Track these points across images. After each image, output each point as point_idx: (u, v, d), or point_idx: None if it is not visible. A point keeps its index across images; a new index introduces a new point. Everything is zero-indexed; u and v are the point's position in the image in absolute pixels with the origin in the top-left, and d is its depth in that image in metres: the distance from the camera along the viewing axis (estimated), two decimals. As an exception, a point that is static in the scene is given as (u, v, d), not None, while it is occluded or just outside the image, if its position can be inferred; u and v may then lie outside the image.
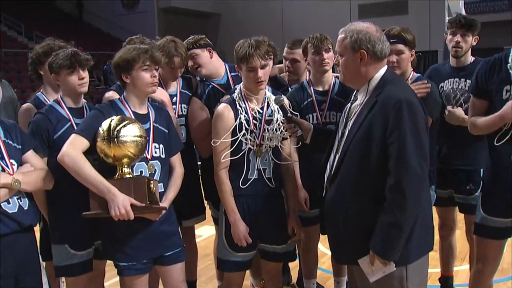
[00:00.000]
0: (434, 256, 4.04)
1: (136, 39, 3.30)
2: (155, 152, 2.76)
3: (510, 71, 2.68)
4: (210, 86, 3.42)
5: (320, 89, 3.34)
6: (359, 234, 2.29)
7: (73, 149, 2.55)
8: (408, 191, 2.15)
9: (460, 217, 3.66)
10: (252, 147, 2.84)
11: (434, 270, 4.06)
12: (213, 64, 3.49)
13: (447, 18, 12.97)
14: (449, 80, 3.42)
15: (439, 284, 3.76)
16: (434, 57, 16.62)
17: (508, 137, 2.68)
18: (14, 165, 2.47)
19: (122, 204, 2.49)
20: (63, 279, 3.25)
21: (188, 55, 3.38)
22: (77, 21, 22.58)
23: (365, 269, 2.29)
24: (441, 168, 3.35)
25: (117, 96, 2.96)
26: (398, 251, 2.20)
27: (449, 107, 3.30)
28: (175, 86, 3.46)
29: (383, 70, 2.38)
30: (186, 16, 21.18)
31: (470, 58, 3.45)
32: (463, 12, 10.11)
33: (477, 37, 3.45)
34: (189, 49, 3.40)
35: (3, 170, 2.40)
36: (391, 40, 2.86)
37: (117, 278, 2.88)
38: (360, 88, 2.44)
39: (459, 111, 3.23)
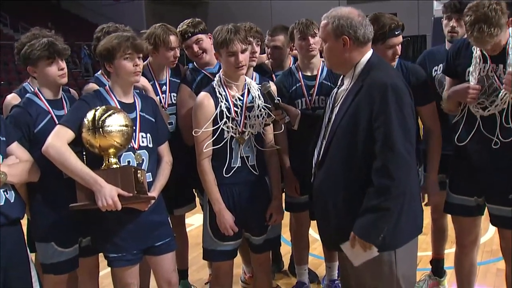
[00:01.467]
0: (425, 239, 4.07)
1: (109, 28, 3.21)
2: (142, 142, 2.73)
3: (474, 51, 2.76)
4: (202, 75, 3.39)
5: (309, 74, 3.32)
6: (348, 219, 2.28)
7: (58, 140, 2.51)
8: (395, 175, 2.15)
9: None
10: (234, 135, 2.82)
11: (425, 253, 4.09)
12: (213, 51, 3.45)
13: (435, 3, 12.94)
14: (443, 64, 3.41)
15: (430, 267, 3.78)
16: (423, 42, 16.66)
17: (462, 115, 2.82)
18: None
19: (109, 194, 2.46)
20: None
21: (194, 40, 3.33)
22: (65, 12, 22.37)
23: (348, 253, 2.30)
24: None
25: (97, 88, 2.92)
26: (380, 235, 2.19)
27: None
28: (165, 75, 3.42)
29: (368, 54, 2.37)
30: (174, 5, 21.03)
31: None
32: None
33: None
34: (193, 34, 3.34)
35: None
36: (397, 32, 2.86)
37: (108, 269, 2.87)
38: (346, 73, 2.42)
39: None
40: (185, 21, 3.42)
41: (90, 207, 2.54)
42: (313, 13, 5.09)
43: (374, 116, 2.20)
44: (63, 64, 2.77)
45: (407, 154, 2.17)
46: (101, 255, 3.01)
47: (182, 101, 3.32)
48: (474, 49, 2.77)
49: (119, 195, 2.49)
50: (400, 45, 2.93)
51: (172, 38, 3.22)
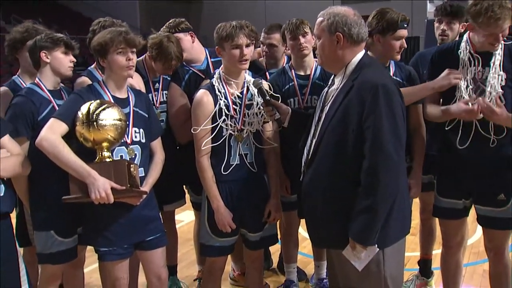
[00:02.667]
0: (413, 240, 4.11)
1: (106, 22, 3.23)
2: (135, 137, 2.75)
3: (460, 55, 2.78)
4: (190, 72, 3.40)
5: (302, 73, 3.34)
6: (336, 218, 2.31)
7: (52, 133, 2.52)
8: (383, 175, 2.17)
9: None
10: (233, 133, 2.83)
11: (414, 253, 4.13)
12: (194, 49, 3.46)
13: (428, 5, 13.01)
14: (426, 69, 3.44)
15: (418, 267, 3.82)
16: (416, 43, 16.68)
17: (455, 123, 2.81)
18: None
19: (102, 187, 2.48)
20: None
21: None
22: (58, 5, 22.19)
23: (350, 258, 2.31)
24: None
25: (89, 82, 2.93)
26: (375, 235, 2.22)
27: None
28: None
29: (360, 54, 2.39)
30: (168, 3, 20.93)
31: None
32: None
33: (465, 24, 3.46)
34: (171, 33, 3.36)
35: None
36: (406, 25, 2.92)
37: (97, 264, 2.87)
38: (337, 72, 2.44)
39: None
40: (170, 21, 3.44)
41: (83, 200, 2.55)
42: (307, 13, 5.11)
43: (364, 116, 2.22)
44: (73, 58, 2.85)
45: (396, 154, 2.19)
46: (88, 249, 3.02)
47: (173, 99, 3.33)
48: (461, 52, 2.79)
49: (112, 188, 2.50)
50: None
51: (174, 63, 3.22)
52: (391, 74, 3.03)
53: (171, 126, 3.36)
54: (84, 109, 2.56)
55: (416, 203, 3.32)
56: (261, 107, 2.88)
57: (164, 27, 3.42)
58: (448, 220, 3.02)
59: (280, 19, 4.18)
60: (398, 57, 3.00)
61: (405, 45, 2.94)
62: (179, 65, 3.31)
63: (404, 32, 2.92)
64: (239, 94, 2.88)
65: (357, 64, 2.36)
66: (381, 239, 2.26)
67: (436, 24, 3.48)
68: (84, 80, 3.08)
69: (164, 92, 3.41)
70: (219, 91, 2.84)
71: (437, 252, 3.87)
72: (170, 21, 3.46)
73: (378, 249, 2.27)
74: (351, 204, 2.24)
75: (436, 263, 3.79)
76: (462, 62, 2.79)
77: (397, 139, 2.21)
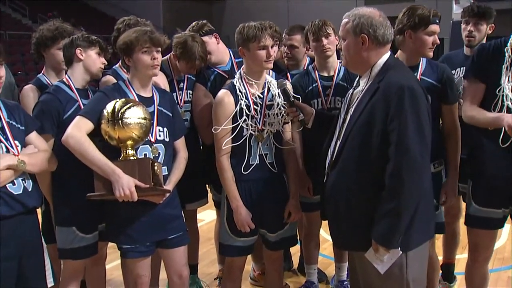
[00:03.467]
0: (436, 243, 4.06)
1: (130, 21, 3.27)
2: (159, 135, 2.77)
3: (506, 53, 2.66)
4: (215, 73, 3.41)
5: (325, 74, 3.33)
6: (360, 220, 2.29)
7: (78, 131, 2.55)
8: (407, 178, 2.15)
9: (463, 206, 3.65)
10: (253, 133, 2.84)
11: (436, 258, 4.07)
12: (219, 50, 3.47)
13: (454, 7, 12.82)
14: (461, 68, 3.39)
15: (441, 271, 3.77)
16: (441, 45, 16.48)
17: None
18: (18, 146, 2.45)
19: (126, 185, 2.50)
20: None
21: None
22: (82, 5, 22.49)
23: (373, 261, 2.29)
24: None
25: (114, 81, 2.96)
26: (398, 238, 2.20)
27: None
28: None
29: (386, 56, 2.37)
30: (191, 2, 21.06)
31: None
32: (471, -1, 9.97)
33: (493, 25, 3.40)
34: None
35: (8, 151, 2.39)
36: (437, 20, 2.86)
37: (119, 260, 2.90)
38: (362, 73, 2.43)
39: None
40: (193, 23, 3.45)
41: (107, 197, 2.57)
42: (330, 13, 5.09)
43: (389, 118, 2.20)
44: (103, 59, 2.90)
45: (421, 157, 2.17)
46: (110, 246, 3.05)
47: (197, 100, 3.35)
48: (508, 50, 2.66)
49: (136, 186, 2.52)
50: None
51: (197, 63, 3.22)
52: (420, 73, 2.94)
53: (196, 126, 3.38)
54: (109, 107, 2.58)
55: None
56: (282, 108, 2.87)
57: (187, 30, 3.44)
58: (481, 230, 2.83)
59: (302, 18, 4.18)
60: (431, 54, 2.91)
61: (438, 41, 2.85)
62: (203, 65, 3.32)
63: (436, 28, 2.85)
64: (260, 95, 2.88)
65: (382, 66, 2.34)
66: (404, 242, 2.23)
67: (463, 25, 3.43)
68: (109, 79, 3.12)
69: (189, 91, 3.43)
70: (240, 91, 2.84)
71: (460, 256, 3.82)
72: (193, 24, 3.47)
73: (401, 252, 2.24)
74: (375, 206, 2.22)
75: (458, 268, 3.74)
76: (509, 60, 2.65)
77: (422, 142, 2.18)
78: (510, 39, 2.70)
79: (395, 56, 2.75)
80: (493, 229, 2.84)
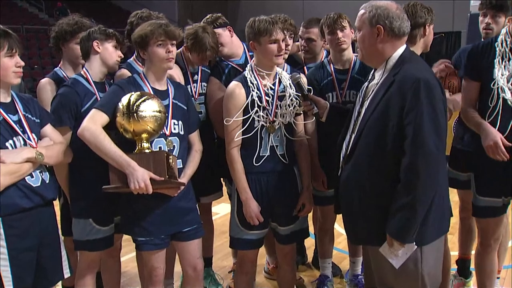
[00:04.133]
0: (451, 239, 4.02)
1: (143, 13, 3.28)
2: (174, 129, 2.78)
3: (497, 48, 2.78)
4: (229, 66, 3.41)
5: (340, 67, 3.31)
6: (374, 215, 2.29)
7: (93, 124, 2.57)
8: (423, 172, 2.14)
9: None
10: (264, 124, 2.83)
11: (452, 253, 4.03)
12: (233, 43, 3.46)
13: (472, 2, 12.66)
14: (463, 65, 3.36)
15: (456, 267, 3.74)
16: (457, 38, 16.27)
17: (493, 116, 2.80)
18: (35, 138, 2.48)
19: (141, 178, 2.51)
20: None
21: None
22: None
23: (387, 256, 2.28)
24: (462, 150, 3.31)
25: (129, 74, 2.97)
26: (413, 233, 2.19)
27: None
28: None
29: (401, 49, 2.35)
30: (206, -3, 21.05)
31: None
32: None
33: (511, 17, 3.36)
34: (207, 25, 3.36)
35: (25, 143, 2.42)
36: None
37: (134, 253, 2.91)
38: (377, 66, 2.41)
39: None
40: (206, 16, 3.45)
41: (122, 190, 2.59)
42: (345, 7, 5.05)
43: (405, 111, 2.18)
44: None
45: (437, 151, 2.15)
46: (125, 239, 3.07)
47: (212, 93, 3.35)
48: (498, 44, 2.76)
49: (151, 179, 2.53)
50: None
51: (208, 53, 3.22)
52: None
53: (211, 119, 3.39)
54: (124, 100, 2.59)
55: (455, 202, 3.25)
56: (293, 99, 2.87)
57: (201, 22, 3.44)
58: (486, 218, 2.99)
59: (317, 13, 4.15)
60: None
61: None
62: (214, 56, 3.32)
63: None
64: (271, 86, 2.88)
65: (398, 59, 2.32)
66: (419, 236, 2.22)
67: (480, 18, 3.39)
68: (124, 72, 3.13)
69: (203, 83, 3.43)
70: (251, 82, 2.84)
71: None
72: (207, 16, 3.47)
73: (416, 246, 2.23)
74: (389, 200, 2.22)
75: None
76: (500, 54, 2.74)
77: (438, 136, 2.17)
78: (500, 35, 2.81)
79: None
80: (496, 217, 2.97)
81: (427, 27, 2.82)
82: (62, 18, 3.32)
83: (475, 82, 2.90)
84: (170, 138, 2.75)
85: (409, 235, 2.19)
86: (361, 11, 2.37)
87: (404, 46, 2.37)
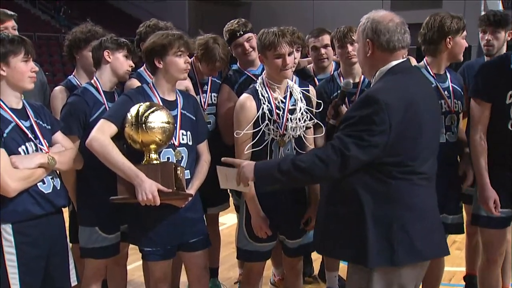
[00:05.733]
0: (459, 254, 4.00)
1: (151, 22, 3.31)
2: (183, 139, 2.78)
3: None
4: (245, 76, 3.41)
5: (351, 81, 3.30)
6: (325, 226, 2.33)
7: (102, 134, 2.58)
8: (327, 163, 2.13)
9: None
10: (275, 137, 2.82)
11: (459, 269, 4.01)
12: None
13: (482, 13, 12.65)
14: (472, 84, 3.35)
15: (464, 283, 3.71)
16: (468, 52, 16.22)
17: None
18: (47, 144, 2.49)
19: (149, 189, 2.51)
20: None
21: (246, 38, 3.37)
22: (110, 7, 22.77)
23: (220, 177, 2.41)
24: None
25: (138, 84, 2.98)
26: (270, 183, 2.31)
27: None
28: None
29: (394, 63, 2.24)
30: (216, 5, 21.17)
31: None
32: (500, 8, 9.81)
33: (511, 31, 3.36)
34: (245, 32, 3.38)
35: (37, 149, 2.43)
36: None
37: (140, 262, 2.91)
38: (370, 78, 2.40)
39: None
40: (233, 21, 3.46)
41: (130, 201, 2.59)
42: (356, 18, 5.05)
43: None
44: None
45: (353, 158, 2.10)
46: (132, 248, 3.07)
47: (222, 101, 3.36)
48: None
49: (158, 191, 2.53)
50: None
51: (218, 64, 3.25)
52: (450, 81, 3.05)
53: (219, 126, 3.39)
54: (133, 111, 2.60)
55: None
56: (304, 112, 2.86)
57: (231, 25, 3.43)
58: (492, 229, 2.94)
59: (328, 19, 4.18)
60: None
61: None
62: (223, 67, 3.33)
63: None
64: (282, 99, 2.87)
65: (384, 73, 2.25)
66: (362, 252, 2.13)
67: (480, 35, 3.41)
68: (134, 82, 3.13)
69: (213, 94, 3.44)
70: (262, 95, 2.83)
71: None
72: (236, 20, 3.46)
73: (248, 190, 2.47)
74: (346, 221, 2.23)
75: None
76: None
77: (360, 148, 2.09)
78: None
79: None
80: (503, 228, 2.94)
81: (449, 39, 2.82)
82: (66, 19, 3.35)
83: (487, 103, 2.81)
84: (178, 148, 2.75)
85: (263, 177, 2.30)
86: (360, 22, 2.33)
87: (399, 60, 2.26)
